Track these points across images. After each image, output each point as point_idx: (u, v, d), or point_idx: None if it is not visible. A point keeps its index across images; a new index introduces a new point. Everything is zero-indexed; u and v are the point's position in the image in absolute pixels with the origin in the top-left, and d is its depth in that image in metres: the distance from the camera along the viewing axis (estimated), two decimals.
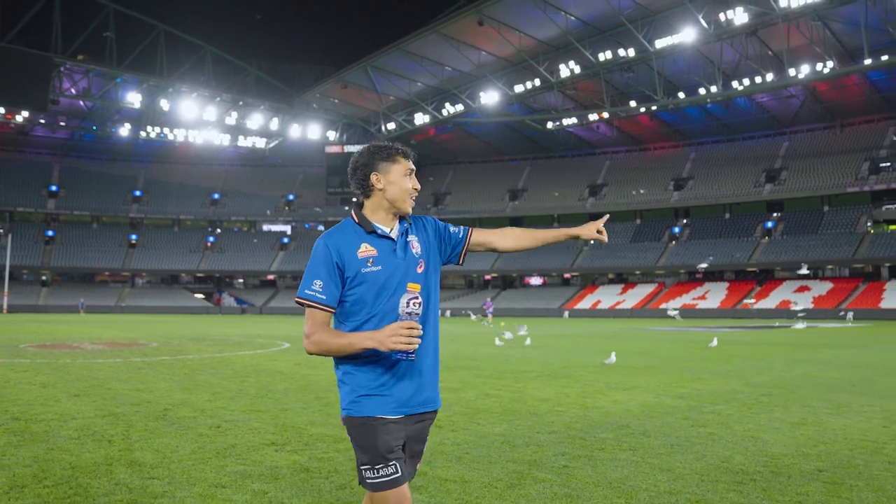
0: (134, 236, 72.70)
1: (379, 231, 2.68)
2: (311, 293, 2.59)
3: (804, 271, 47.25)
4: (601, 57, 50.87)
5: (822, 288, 52.14)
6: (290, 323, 38.83)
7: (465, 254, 2.87)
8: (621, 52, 50.00)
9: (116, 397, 9.04)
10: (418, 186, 2.75)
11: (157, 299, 67.28)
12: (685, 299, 55.30)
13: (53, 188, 72.51)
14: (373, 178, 2.69)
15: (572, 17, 48.58)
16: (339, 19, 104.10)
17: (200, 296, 71.82)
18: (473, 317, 47.06)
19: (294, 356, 15.74)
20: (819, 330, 31.31)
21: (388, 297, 2.60)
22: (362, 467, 2.55)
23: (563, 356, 16.11)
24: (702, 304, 53.42)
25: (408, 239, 2.72)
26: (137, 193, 75.20)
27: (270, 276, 74.02)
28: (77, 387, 10.04)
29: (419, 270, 2.70)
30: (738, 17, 44.37)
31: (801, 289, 52.43)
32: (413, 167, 2.75)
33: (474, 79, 58.22)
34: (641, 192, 65.49)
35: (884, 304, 46.62)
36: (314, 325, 2.58)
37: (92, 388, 9.87)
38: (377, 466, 2.52)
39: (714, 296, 54.88)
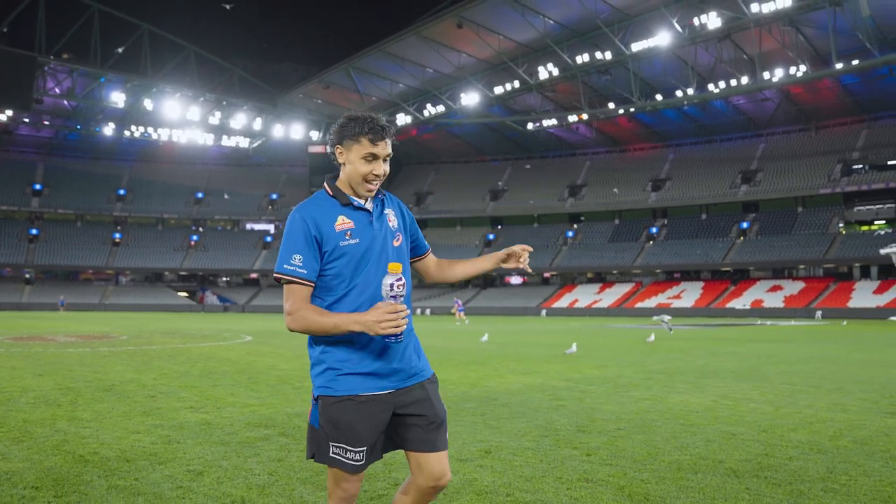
0: (118, 235, 73.08)
1: (355, 203, 2.59)
2: (291, 268, 2.49)
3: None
4: (579, 60, 51.79)
5: (794, 287, 53.24)
6: (268, 320, 39.48)
7: (414, 259, 2.86)
8: (598, 54, 50.91)
9: (74, 377, 9.93)
10: (379, 172, 2.57)
11: (141, 297, 67.70)
12: (661, 298, 56.30)
13: (37, 187, 72.82)
14: (337, 151, 2.61)
15: (550, 21, 49.44)
16: (323, 19, 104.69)
17: (184, 294, 72.28)
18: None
19: (248, 347, 16.59)
20: (781, 328, 32.26)
21: (367, 270, 2.54)
22: (333, 444, 2.48)
23: (514, 348, 16.91)
24: (677, 304, 54.43)
25: (384, 211, 2.66)
26: (121, 192, 75.58)
27: (253, 275, 74.56)
28: (42, 369, 11.03)
29: (396, 244, 2.64)
30: (712, 21, 45.34)
31: (774, 288, 53.54)
32: (375, 152, 2.55)
33: (455, 80, 59.03)
34: (615, 191, 66.38)
35: (851, 304, 47.73)
36: (296, 302, 2.50)
37: (55, 370, 10.82)
38: (347, 446, 2.47)
39: (689, 295, 55.90)
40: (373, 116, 2.56)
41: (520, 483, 4.41)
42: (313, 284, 2.52)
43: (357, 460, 2.47)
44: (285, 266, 2.50)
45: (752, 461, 5.01)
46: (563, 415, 6.95)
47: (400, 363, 2.57)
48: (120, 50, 59.69)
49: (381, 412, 2.51)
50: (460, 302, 45.76)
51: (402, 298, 2.42)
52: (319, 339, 2.56)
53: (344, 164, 2.59)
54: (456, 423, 6.36)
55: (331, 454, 2.48)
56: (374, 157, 2.54)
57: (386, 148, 2.56)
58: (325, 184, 2.64)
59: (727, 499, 4.09)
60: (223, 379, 9.90)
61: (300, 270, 2.49)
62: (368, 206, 2.61)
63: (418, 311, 57.66)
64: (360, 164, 2.53)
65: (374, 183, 2.57)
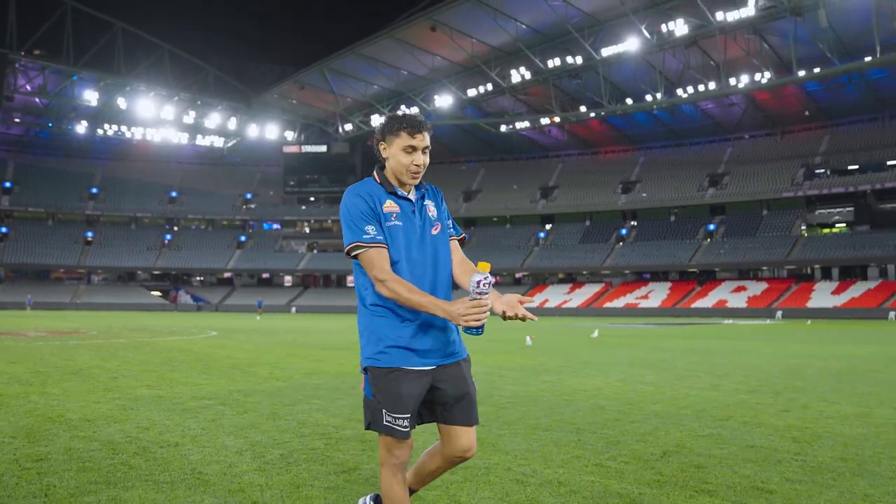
0: (90, 233, 72.74)
1: (399, 192, 2.83)
2: (370, 237, 2.70)
3: None
4: (550, 64, 52.80)
5: (757, 288, 54.60)
6: (239, 318, 39.82)
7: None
8: (569, 59, 51.96)
9: (45, 363, 10.64)
10: (419, 162, 2.80)
11: (113, 296, 67.46)
12: (629, 299, 57.41)
13: (8, 184, 72.22)
14: (381, 146, 2.85)
15: (522, 25, 50.28)
16: (300, 18, 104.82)
17: (157, 293, 72.14)
18: None
19: (211, 341, 17.25)
20: (736, 327, 33.34)
21: (408, 251, 2.77)
22: (385, 411, 2.70)
23: (470, 342, 17.58)
24: (644, 304, 55.57)
25: (425, 203, 2.90)
26: (94, 191, 75.23)
27: (227, 274, 74.59)
28: (14, 357, 11.78)
29: (434, 231, 2.88)
30: (679, 28, 46.51)
31: (738, 289, 54.85)
32: (415, 144, 2.78)
33: (429, 82, 59.73)
34: (586, 196, 67.53)
35: (811, 304, 49.13)
36: (383, 267, 2.69)
37: (26, 358, 11.54)
38: (396, 414, 2.70)
39: (656, 295, 57.07)
40: (410, 114, 2.83)
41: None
42: (387, 247, 2.74)
43: (405, 426, 2.71)
44: (364, 236, 2.71)
45: (599, 423, 5.97)
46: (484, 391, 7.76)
47: (442, 343, 2.81)
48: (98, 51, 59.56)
49: (422, 385, 2.75)
50: None
51: (486, 296, 2.59)
52: (376, 311, 2.77)
53: (387, 157, 2.82)
54: (313, 408, 7.13)
55: (384, 422, 2.71)
56: (413, 148, 2.78)
57: (424, 140, 2.80)
58: (374, 172, 2.90)
59: (557, 444, 5.12)
60: (181, 366, 10.68)
61: (378, 237, 2.71)
62: (412, 196, 2.86)
63: None
64: (402, 156, 2.77)
65: (417, 172, 2.80)
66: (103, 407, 6.63)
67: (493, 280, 2.62)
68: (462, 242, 3.08)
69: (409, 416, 2.72)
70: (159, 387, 8.17)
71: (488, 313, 2.60)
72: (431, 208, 2.91)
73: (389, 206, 2.78)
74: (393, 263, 2.74)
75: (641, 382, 9.00)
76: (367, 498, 3.12)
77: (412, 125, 2.77)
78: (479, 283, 2.57)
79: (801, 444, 5.16)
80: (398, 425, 2.70)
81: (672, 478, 4.20)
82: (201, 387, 8.23)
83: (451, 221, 3.02)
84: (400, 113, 2.86)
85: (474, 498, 3.78)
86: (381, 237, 2.71)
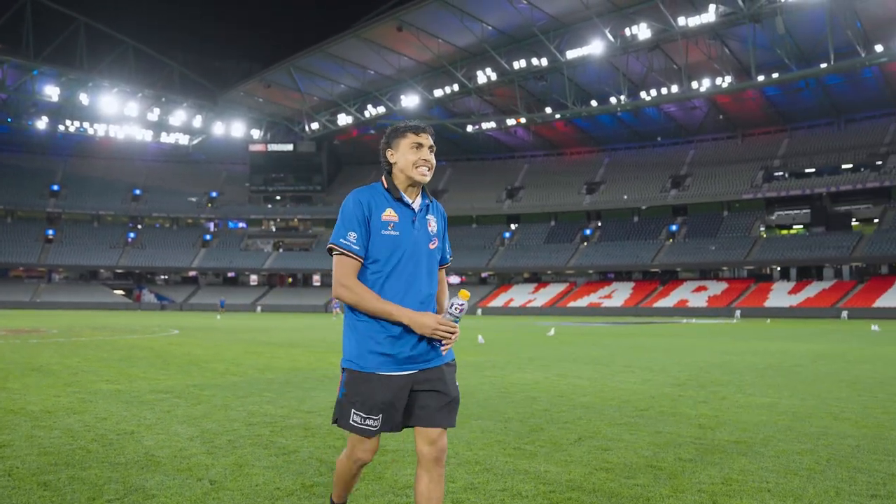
0: (51, 231, 71.62)
1: (404, 199, 2.90)
2: (347, 242, 2.79)
3: None
4: (516, 65, 53.36)
5: (717, 288, 55.75)
6: (203, 317, 39.67)
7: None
8: (535, 61, 52.55)
9: (5, 360, 10.88)
10: (427, 158, 2.91)
11: (75, 295, 66.52)
12: (592, 298, 58.22)
13: None
14: (388, 153, 2.95)
15: (488, 27, 50.74)
16: (267, 16, 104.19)
17: (120, 292, 71.29)
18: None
19: (172, 339, 17.46)
20: (692, 326, 34.13)
21: (400, 261, 2.83)
22: (353, 411, 2.80)
23: None
24: (607, 303, 56.41)
25: (427, 216, 2.96)
26: (55, 188, 74.04)
27: (192, 273, 73.96)
28: None
29: (431, 246, 2.94)
30: (642, 32, 47.33)
31: (699, 288, 55.96)
32: (421, 142, 2.92)
33: (395, 82, 59.93)
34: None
35: (768, 303, 50.35)
36: (348, 274, 2.79)
37: None
38: (366, 415, 2.78)
39: (619, 295, 57.96)
40: (414, 122, 3.00)
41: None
42: (362, 260, 2.81)
43: (372, 426, 2.79)
44: (341, 240, 2.80)
45: (528, 413, 6.38)
46: None
47: (423, 349, 2.84)
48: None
49: (400, 388, 2.80)
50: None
51: (457, 320, 2.76)
52: (359, 315, 2.84)
53: (395, 162, 2.92)
54: (258, 398, 7.47)
55: (350, 421, 2.80)
56: (420, 145, 2.91)
57: (429, 139, 2.95)
58: (382, 177, 2.98)
59: (484, 431, 5.53)
60: (140, 362, 10.95)
61: (354, 246, 2.79)
62: (416, 204, 2.93)
63: None
64: (409, 153, 2.89)
65: (425, 168, 2.90)
66: (63, 400, 6.93)
67: (466, 309, 2.79)
68: (446, 271, 3.20)
69: (378, 417, 2.78)
70: (118, 382, 8.45)
71: (457, 337, 2.79)
72: (433, 223, 2.98)
73: (389, 214, 2.84)
74: (382, 272, 2.82)
75: (578, 377, 9.45)
76: None
77: (416, 126, 2.95)
78: (454, 305, 2.75)
79: (704, 430, 5.65)
80: (366, 425, 2.78)
81: (579, 458, 4.63)
82: (159, 381, 8.55)
83: (447, 245, 3.11)
84: (400, 123, 2.98)
85: (397, 475, 4.18)
86: (357, 247, 2.79)
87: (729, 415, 6.38)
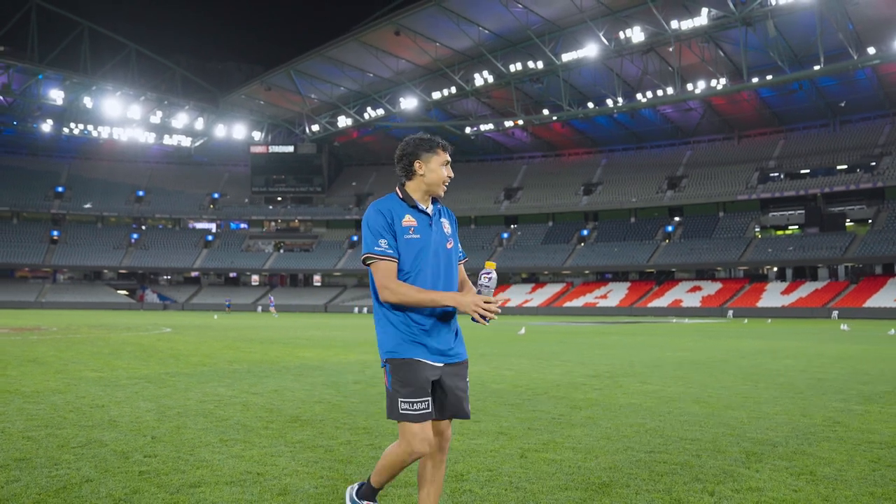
0: (56, 232, 72.62)
1: (420, 207, 3.11)
2: (381, 249, 2.98)
3: None
4: (512, 68, 54.10)
5: (712, 288, 56.36)
6: (199, 317, 40.43)
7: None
8: (531, 63, 53.29)
9: (5, 353, 11.86)
10: (452, 175, 3.17)
11: (79, 295, 67.46)
12: (588, 298, 58.89)
13: None
14: (416, 164, 3.10)
15: (485, 31, 51.47)
16: (267, 20, 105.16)
17: (123, 292, 72.23)
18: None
19: (163, 336, 18.40)
20: (679, 325, 34.74)
21: (424, 261, 3.04)
22: (400, 399, 2.95)
23: None
24: (602, 303, 57.07)
25: (441, 220, 3.19)
26: (60, 189, 75.08)
27: (194, 273, 74.88)
28: None
29: (448, 246, 3.16)
30: (636, 35, 48.02)
31: (694, 289, 56.57)
32: (449, 159, 3.15)
33: (394, 85, 60.72)
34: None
35: (760, 304, 50.94)
36: (388, 276, 2.97)
37: None
38: (414, 399, 2.94)
39: (615, 295, 58.61)
40: (436, 137, 3.22)
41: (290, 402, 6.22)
42: (397, 260, 3.01)
43: (424, 409, 2.96)
44: (375, 248, 2.99)
45: (480, 399, 7.10)
46: (357, 377, 9.07)
47: (450, 345, 3.10)
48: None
49: (434, 373, 3.02)
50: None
51: (489, 290, 2.96)
52: (391, 311, 3.04)
53: (424, 174, 3.11)
54: (291, 380, 8.30)
55: (400, 410, 2.95)
56: (448, 162, 3.16)
57: (449, 157, 3.21)
58: (396, 188, 3.19)
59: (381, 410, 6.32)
60: (126, 355, 11.95)
61: (388, 251, 2.99)
62: (429, 211, 3.15)
63: (355, 309, 59.15)
64: (441, 170, 3.12)
65: (447, 184, 3.16)
66: (52, 384, 8.10)
67: (496, 277, 3.01)
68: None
69: (426, 400, 2.96)
70: (102, 370, 9.49)
71: (499, 311, 2.96)
72: (447, 225, 3.21)
73: (408, 220, 3.06)
74: (410, 273, 3.03)
75: (508, 369, 10.26)
76: (355, 486, 3.37)
77: (444, 145, 3.17)
78: (484, 275, 2.97)
79: (574, 410, 6.50)
80: (415, 409, 2.93)
81: (455, 428, 5.38)
82: (137, 370, 9.63)
83: (459, 245, 3.33)
84: (427, 136, 3.19)
85: (410, 469, 4.64)
86: (391, 251, 3.00)
87: (609, 399, 7.23)
